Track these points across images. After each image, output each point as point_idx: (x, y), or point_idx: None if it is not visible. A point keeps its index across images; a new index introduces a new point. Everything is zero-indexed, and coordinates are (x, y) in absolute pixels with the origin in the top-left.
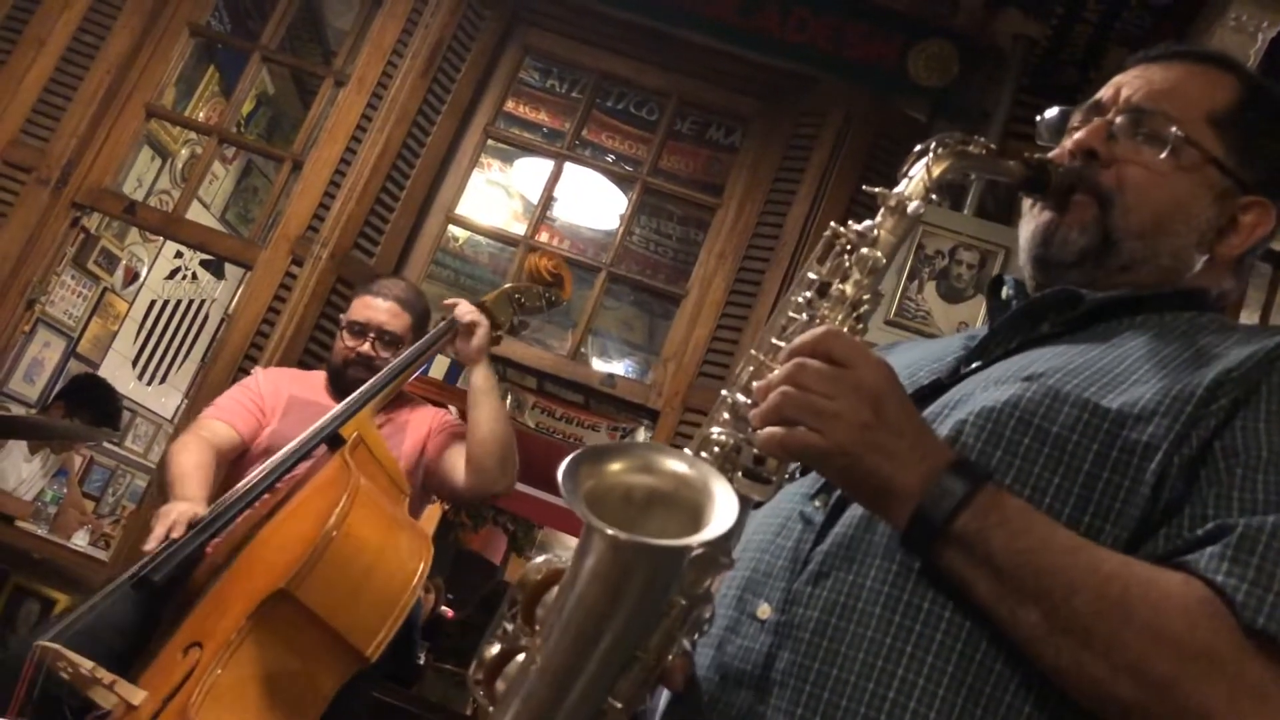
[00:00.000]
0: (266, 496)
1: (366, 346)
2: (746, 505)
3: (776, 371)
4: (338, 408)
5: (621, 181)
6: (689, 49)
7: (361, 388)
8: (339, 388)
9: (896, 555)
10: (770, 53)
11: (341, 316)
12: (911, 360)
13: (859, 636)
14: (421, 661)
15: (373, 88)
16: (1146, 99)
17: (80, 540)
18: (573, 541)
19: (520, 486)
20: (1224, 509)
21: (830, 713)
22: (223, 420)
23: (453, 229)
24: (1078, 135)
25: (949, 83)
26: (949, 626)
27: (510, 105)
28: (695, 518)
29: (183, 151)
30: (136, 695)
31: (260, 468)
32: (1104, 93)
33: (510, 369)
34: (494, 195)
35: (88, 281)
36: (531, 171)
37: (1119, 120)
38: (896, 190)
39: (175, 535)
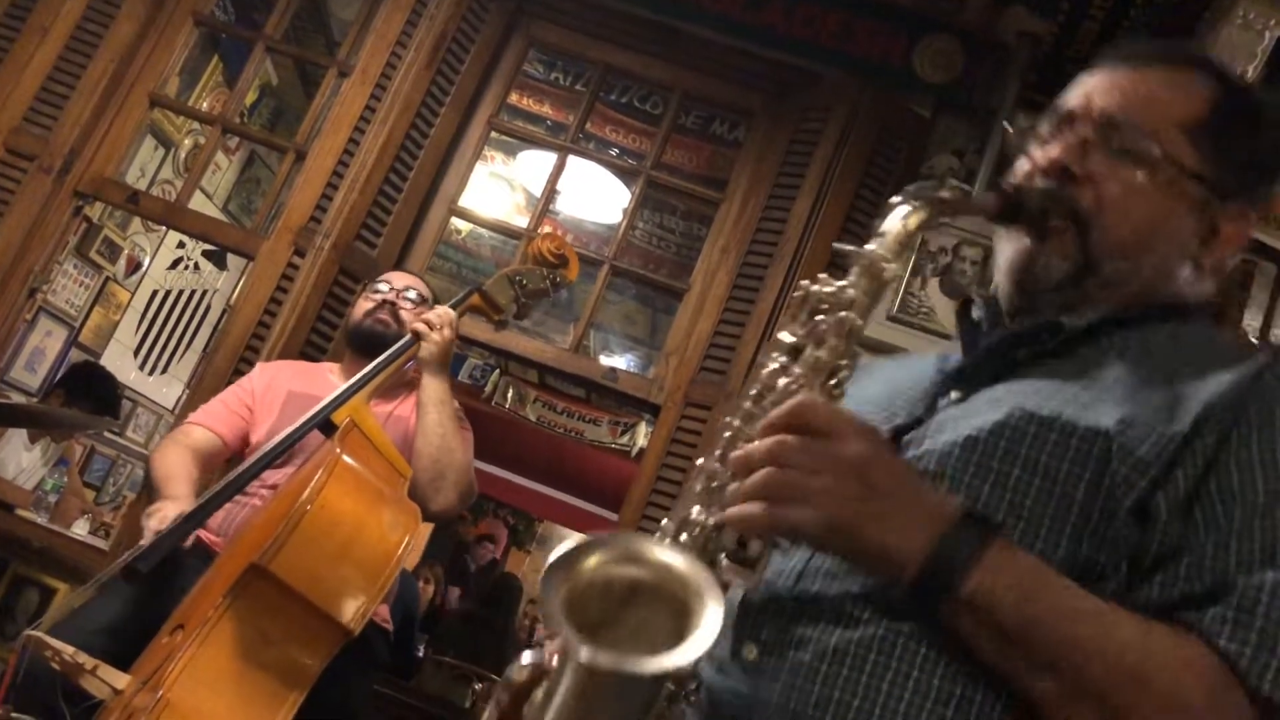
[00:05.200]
0: (265, 493)
1: (392, 296)
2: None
3: (755, 447)
4: (322, 403)
5: (625, 175)
6: (694, 43)
7: (341, 387)
8: (361, 348)
9: (884, 597)
10: (775, 47)
11: (351, 310)
12: (886, 392)
13: (852, 681)
14: (420, 654)
15: (376, 79)
16: (1120, 110)
17: (80, 529)
18: (570, 534)
19: (520, 480)
20: (1222, 561)
21: None
22: (201, 425)
23: (455, 221)
24: (1052, 153)
25: (954, 79)
26: (945, 670)
27: (514, 98)
28: (679, 611)
29: (186, 141)
30: (119, 680)
31: (247, 460)
32: (1074, 101)
33: (512, 362)
34: (497, 188)
35: (90, 271)
36: (535, 164)
37: (1092, 134)
38: (869, 248)
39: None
